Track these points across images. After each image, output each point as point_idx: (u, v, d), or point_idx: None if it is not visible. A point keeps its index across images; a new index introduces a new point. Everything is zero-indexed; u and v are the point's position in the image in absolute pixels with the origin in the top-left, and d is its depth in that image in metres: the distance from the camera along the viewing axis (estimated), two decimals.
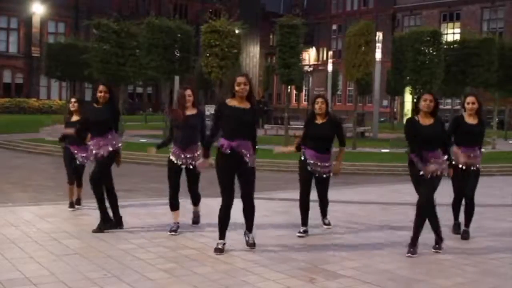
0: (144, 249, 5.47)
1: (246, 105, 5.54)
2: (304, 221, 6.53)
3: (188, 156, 6.31)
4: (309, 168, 6.38)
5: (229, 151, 5.41)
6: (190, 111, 6.33)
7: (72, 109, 7.51)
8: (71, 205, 7.60)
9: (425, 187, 5.63)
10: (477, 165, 6.50)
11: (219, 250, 5.49)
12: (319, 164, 6.38)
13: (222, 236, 5.55)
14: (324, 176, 6.50)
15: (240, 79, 5.48)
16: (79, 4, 45.29)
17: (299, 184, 6.51)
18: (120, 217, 6.47)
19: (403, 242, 6.00)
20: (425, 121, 5.74)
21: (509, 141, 24.35)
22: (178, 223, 6.44)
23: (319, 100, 6.53)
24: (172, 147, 6.40)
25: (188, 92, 6.32)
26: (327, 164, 6.42)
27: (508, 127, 26.74)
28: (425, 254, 5.61)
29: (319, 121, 6.52)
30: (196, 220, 6.82)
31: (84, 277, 4.51)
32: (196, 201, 6.71)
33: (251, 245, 5.68)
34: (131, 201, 8.32)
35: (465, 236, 6.48)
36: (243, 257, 5.28)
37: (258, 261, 5.16)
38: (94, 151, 6.34)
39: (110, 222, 6.35)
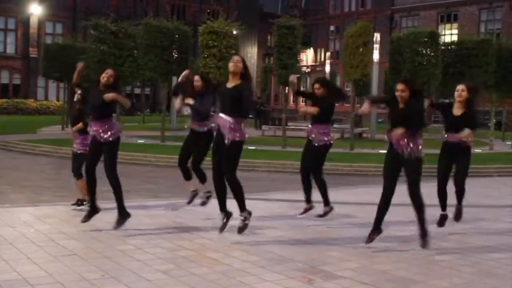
0: (141, 250, 5.46)
1: (235, 83, 5.78)
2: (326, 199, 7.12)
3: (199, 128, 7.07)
4: (313, 142, 6.83)
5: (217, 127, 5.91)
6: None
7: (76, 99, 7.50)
8: (81, 202, 7.38)
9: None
10: (468, 143, 6.30)
11: (220, 229, 5.93)
12: (318, 133, 6.79)
13: (221, 207, 5.92)
14: (316, 144, 6.83)
15: (234, 56, 5.89)
16: (76, 5, 45.27)
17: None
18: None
19: (401, 243, 6.02)
20: (401, 104, 5.85)
21: (507, 142, 24.37)
22: (195, 191, 7.27)
23: (316, 86, 6.89)
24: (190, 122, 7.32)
25: (196, 78, 7.00)
26: (324, 136, 6.81)
27: (505, 128, 26.77)
28: (422, 255, 5.61)
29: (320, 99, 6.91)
30: (204, 201, 7.17)
31: (82, 278, 4.51)
32: (201, 177, 7.14)
33: (239, 229, 5.85)
34: (128, 202, 8.27)
35: (458, 214, 6.45)
36: (241, 258, 5.28)
37: (255, 262, 5.16)
38: (100, 134, 6.19)
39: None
